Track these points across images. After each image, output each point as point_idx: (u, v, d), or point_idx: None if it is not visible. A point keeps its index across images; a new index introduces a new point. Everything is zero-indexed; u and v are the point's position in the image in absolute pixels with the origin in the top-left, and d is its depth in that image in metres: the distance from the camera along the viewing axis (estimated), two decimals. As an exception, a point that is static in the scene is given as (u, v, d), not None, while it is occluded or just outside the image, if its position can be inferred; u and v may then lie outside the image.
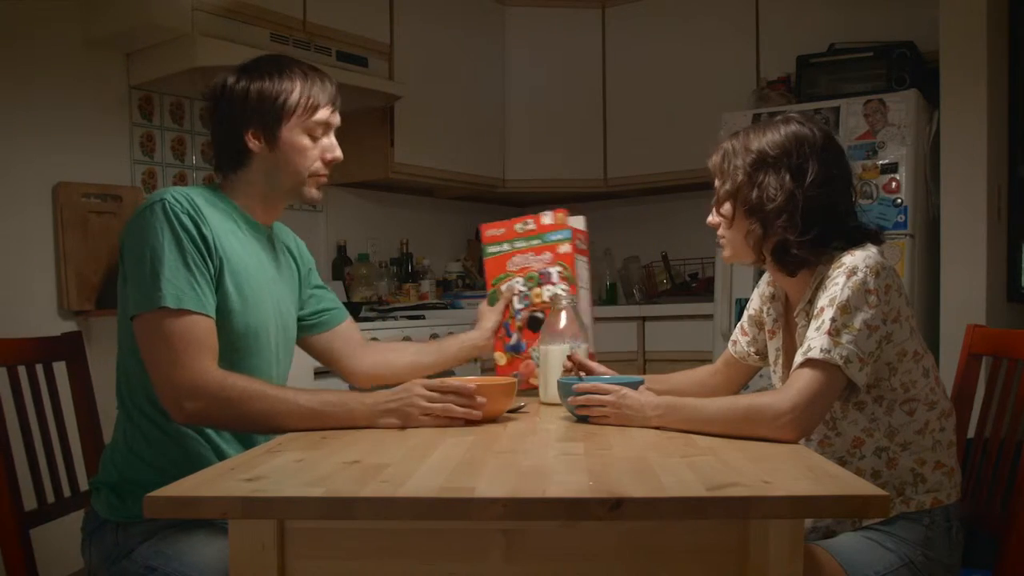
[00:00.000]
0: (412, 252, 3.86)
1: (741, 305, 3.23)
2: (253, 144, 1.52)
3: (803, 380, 1.35)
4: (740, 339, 1.77)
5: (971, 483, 1.67)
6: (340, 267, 3.59)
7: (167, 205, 1.43)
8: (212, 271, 1.45)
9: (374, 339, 1.91)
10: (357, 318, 3.04)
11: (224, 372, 1.41)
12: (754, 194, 1.49)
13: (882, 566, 1.40)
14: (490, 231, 1.85)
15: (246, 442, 1.51)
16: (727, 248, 1.59)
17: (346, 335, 1.80)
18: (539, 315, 1.80)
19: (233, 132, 1.52)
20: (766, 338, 1.70)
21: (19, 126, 2.56)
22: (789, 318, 1.61)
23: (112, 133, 2.80)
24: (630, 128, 4.00)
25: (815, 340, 1.38)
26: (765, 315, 1.70)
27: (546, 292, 1.79)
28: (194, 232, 1.43)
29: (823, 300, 1.42)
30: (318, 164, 1.57)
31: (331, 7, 3.11)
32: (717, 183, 1.56)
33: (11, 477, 1.55)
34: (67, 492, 1.73)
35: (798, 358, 1.39)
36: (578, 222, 1.86)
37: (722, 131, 3.31)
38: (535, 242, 1.81)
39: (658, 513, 0.97)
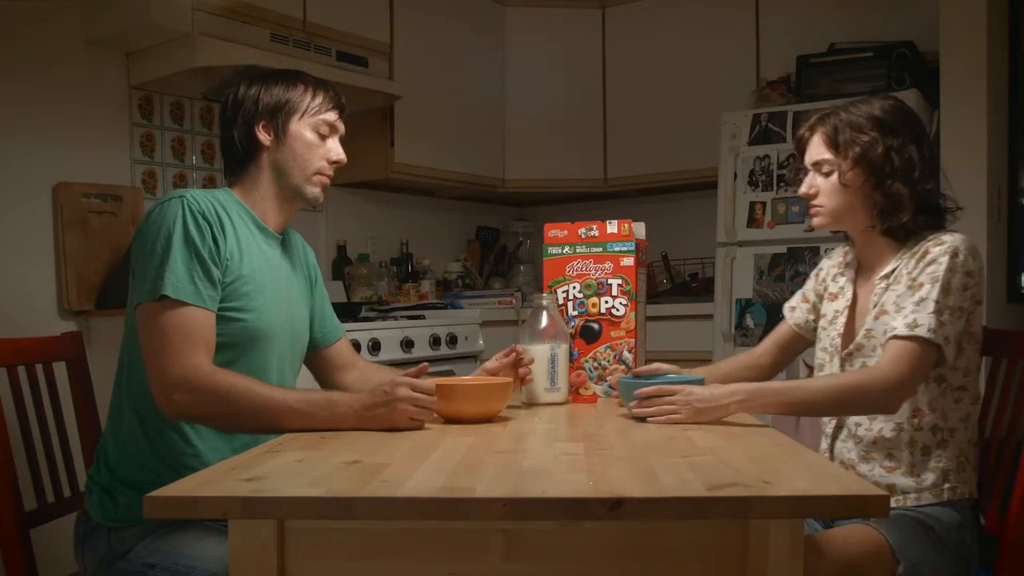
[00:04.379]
0: (412, 252, 3.86)
1: (741, 305, 3.24)
2: (263, 137, 1.58)
3: (912, 356, 1.42)
4: (800, 306, 1.80)
5: (971, 483, 1.68)
6: (340, 267, 3.59)
7: (185, 203, 1.46)
8: (220, 269, 1.47)
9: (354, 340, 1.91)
10: (357, 318, 3.05)
11: (215, 367, 1.41)
12: (893, 160, 1.53)
13: (920, 546, 1.44)
14: (552, 231, 1.82)
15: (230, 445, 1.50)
16: (826, 215, 1.61)
17: (338, 351, 1.80)
18: (594, 325, 1.78)
19: (244, 127, 1.58)
20: (828, 302, 1.73)
21: (19, 126, 2.56)
22: (860, 283, 1.65)
23: (112, 133, 2.80)
24: (630, 128, 4.00)
25: (922, 318, 1.43)
26: (830, 280, 1.73)
27: (603, 303, 1.77)
28: (207, 232, 1.46)
29: (923, 276, 1.47)
30: (323, 163, 1.61)
31: (331, 7, 3.11)
32: (828, 155, 1.58)
33: (11, 477, 1.55)
34: (67, 492, 1.74)
35: (902, 330, 1.44)
36: (639, 230, 1.82)
37: (723, 129, 3.32)
38: (597, 249, 1.78)
39: (658, 513, 0.97)
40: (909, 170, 1.52)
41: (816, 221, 1.63)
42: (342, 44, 3.16)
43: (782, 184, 3.18)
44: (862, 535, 1.43)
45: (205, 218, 1.46)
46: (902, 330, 1.44)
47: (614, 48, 4.05)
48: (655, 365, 1.67)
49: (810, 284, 1.80)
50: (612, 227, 1.78)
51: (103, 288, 2.67)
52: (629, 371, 1.71)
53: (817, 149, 1.61)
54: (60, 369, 1.79)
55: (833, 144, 1.58)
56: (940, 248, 1.48)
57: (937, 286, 1.44)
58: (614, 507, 0.93)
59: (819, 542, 1.38)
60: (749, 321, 3.23)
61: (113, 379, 1.55)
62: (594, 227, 1.79)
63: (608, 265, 1.77)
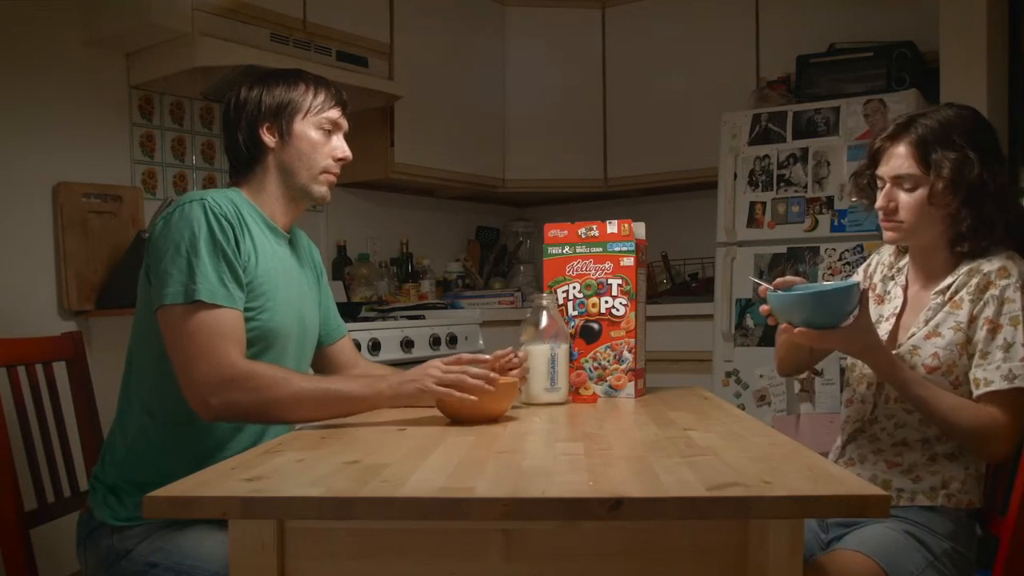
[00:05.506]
0: (412, 252, 3.86)
1: (741, 305, 3.24)
2: (267, 138, 1.59)
3: (1017, 408, 1.41)
4: None
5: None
6: (340, 267, 3.59)
7: (207, 206, 1.47)
8: (242, 271, 1.48)
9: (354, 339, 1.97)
10: (357, 318, 3.05)
11: (250, 360, 1.43)
12: (987, 183, 1.48)
13: (914, 565, 1.43)
14: (552, 231, 1.82)
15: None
16: (904, 232, 1.55)
17: (340, 349, 1.81)
18: (594, 325, 1.78)
19: (248, 129, 1.59)
20: (873, 304, 1.68)
21: (19, 126, 2.56)
22: (910, 289, 1.62)
23: (112, 133, 2.80)
24: (630, 128, 4.00)
25: (1017, 367, 1.41)
26: (878, 280, 1.69)
27: (603, 303, 1.77)
28: (230, 234, 1.47)
29: (1001, 317, 1.44)
30: (329, 161, 1.62)
31: (331, 7, 3.11)
32: (915, 171, 1.51)
33: (11, 477, 1.55)
34: (67, 492, 1.74)
35: (1001, 383, 1.42)
36: (639, 230, 1.81)
37: (723, 129, 3.32)
38: (597, 249, 1.78)
39: (658, 513, 0.97)
40: (1003, 192, 1.48)
41: (891, 236, 1.57)
42: (342, 44, 3.16)
43: (782, 184, 3.19)
44: (855, 565, 1.41)
45: (228, 220, 1.47)
46: (1000, 383, 1.42)
47: (614, 48, 4.05)
48: (789, 278, 1.61)
49: (857, 279, 1.73)
50: (612, 227, 1.78)
51: (103, 288, 2.67)
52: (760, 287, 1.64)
53: (900, 162, 1.52)
54: (60, 369, 1.79)
55: (922, 160, 1.50)
56: (1007, 282, 1.45)
57: (1020, 328, 1.43)
58: (614, 507, 0.93)
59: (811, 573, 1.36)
60: (749, 321, 3.23)
61: (112, 378, 1.55)
62: (594, 227, 1.79)
63: (608, 265, 1.77)
